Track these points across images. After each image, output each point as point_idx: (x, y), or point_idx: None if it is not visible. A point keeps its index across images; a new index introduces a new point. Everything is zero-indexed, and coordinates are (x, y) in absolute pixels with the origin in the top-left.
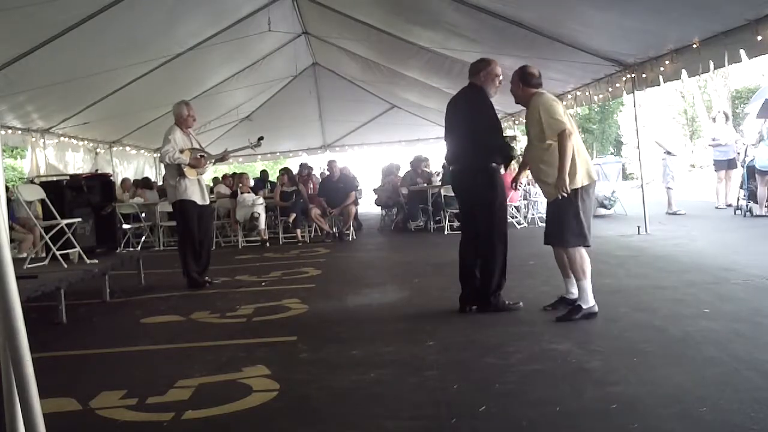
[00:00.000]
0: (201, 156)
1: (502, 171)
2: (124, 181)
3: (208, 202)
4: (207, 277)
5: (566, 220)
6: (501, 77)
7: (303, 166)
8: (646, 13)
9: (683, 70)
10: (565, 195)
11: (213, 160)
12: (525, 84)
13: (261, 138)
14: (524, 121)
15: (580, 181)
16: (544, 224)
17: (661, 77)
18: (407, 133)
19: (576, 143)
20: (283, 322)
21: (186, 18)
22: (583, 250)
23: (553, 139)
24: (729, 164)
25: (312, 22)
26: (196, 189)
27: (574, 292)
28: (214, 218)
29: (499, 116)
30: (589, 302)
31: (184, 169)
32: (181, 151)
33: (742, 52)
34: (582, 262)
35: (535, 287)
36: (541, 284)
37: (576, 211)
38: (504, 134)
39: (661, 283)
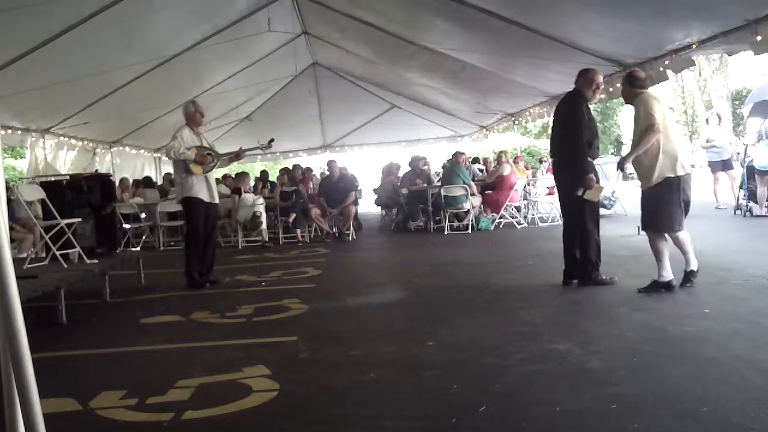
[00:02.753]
0: (208, 154)
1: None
2: (122, 181)
3: (216, 201)
4: (212, 277)
5: (666, 207)
6: (599, 84)
7: (296, 167)
8: (645, 14)
9: (682, 70)
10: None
11: (222, 159)
12: (632, 85)
13: (272, 140)
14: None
15: (676, 171)
16: (547, 223)
17: (660, 77)
18: (407, 133)
19: (674, 138)
20: (283, 322)
21: (186, 18)
22: (685, 231)
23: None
24: (724, 165)
25: (312, 22)
26: (204, 186)
27: (665, 275)
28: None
29: (499, 116)
30: (696, 264)
31: (190, 166)
32: (188, 149)
33: (741, 52)
34: (687, 240)
35: (534, 287)
36: (539, 284)
37: (676, 199)
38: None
39: None
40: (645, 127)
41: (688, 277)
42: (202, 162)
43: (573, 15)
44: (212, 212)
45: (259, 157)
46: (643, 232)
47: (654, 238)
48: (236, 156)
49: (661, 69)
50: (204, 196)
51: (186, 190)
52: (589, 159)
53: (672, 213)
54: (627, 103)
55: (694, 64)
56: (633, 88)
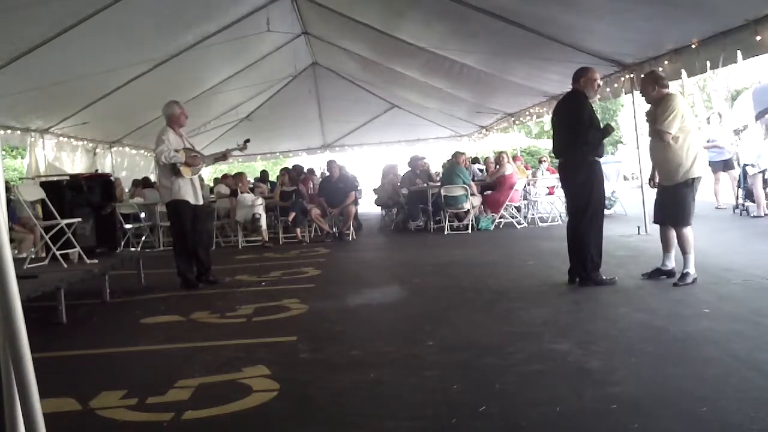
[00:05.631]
0: (195, 155)
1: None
2: (115, 181)
3: (202, 202)
4: (211, 277)
5: (686, 204)
6: (600, 82)
7: (296, 167)
8: (645, 13)
9: (682, 70)
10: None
11: (210, 160)
12: (660, 86)
13: (247, 140)
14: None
15: (696, 172)
16: (547, 223)
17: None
18: (407, 133)
19: (693, 141)
20: (283, 322)
21: (186, 18)
22: (691, 228)
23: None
24: (725, 165)
25: (311, 22)
26: (189, 189)
27: (669, 264)
28: (213, 218)
29: (499, 116)
30: (694, 270)
31: (180, 168)
32: (176, 151)
33: (741, 52)
34: (691, 238)
35: (534, 287)
36: (539, 284)
37: (693, 197)
38: (602, 126)
39: (660, 283)
40: (665, 129)
41: (684, 277)
42: (192, 164)
43: (572, 15)
44: (199, 213)
45: (259, 156)
46: (643, 231)
47: (667, 231)
48: (222, 156)
49: (661, 69)
50: (190, 198)
51: (174, 193)
52: (596, 158)
53: (691, 209)
54: (649, 102)
55: (706, 71)
56: (661, 89)
